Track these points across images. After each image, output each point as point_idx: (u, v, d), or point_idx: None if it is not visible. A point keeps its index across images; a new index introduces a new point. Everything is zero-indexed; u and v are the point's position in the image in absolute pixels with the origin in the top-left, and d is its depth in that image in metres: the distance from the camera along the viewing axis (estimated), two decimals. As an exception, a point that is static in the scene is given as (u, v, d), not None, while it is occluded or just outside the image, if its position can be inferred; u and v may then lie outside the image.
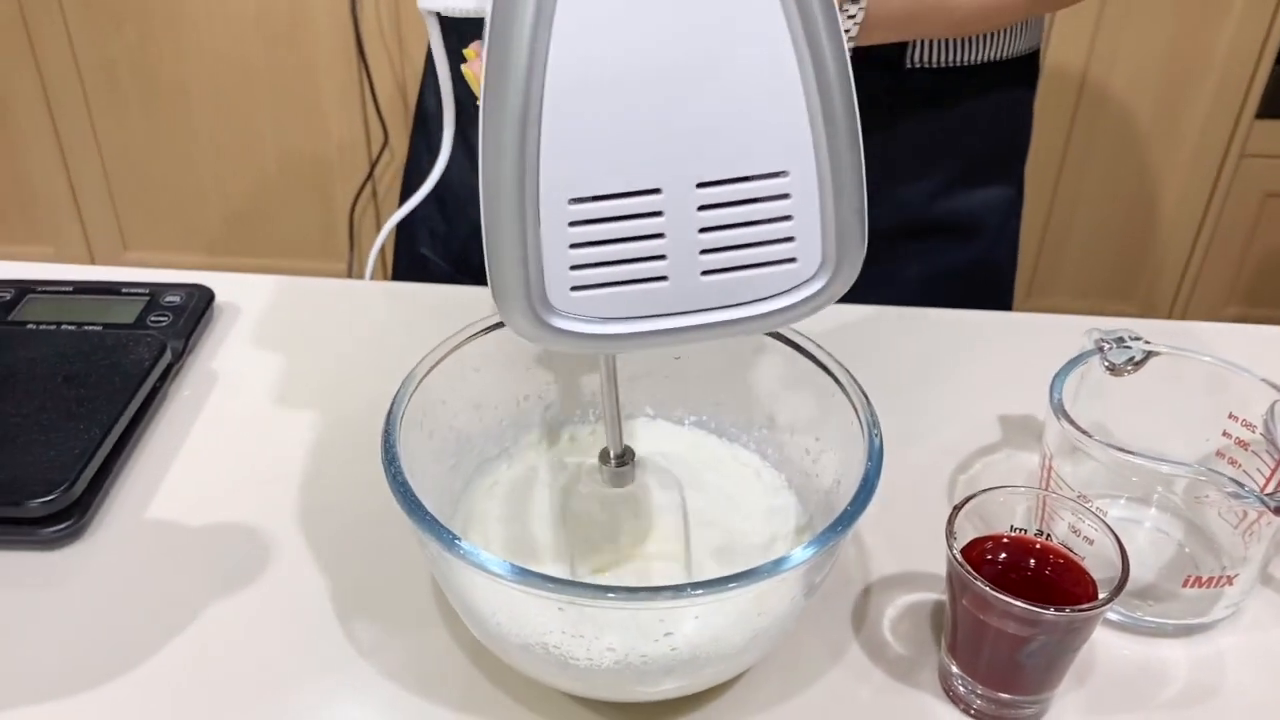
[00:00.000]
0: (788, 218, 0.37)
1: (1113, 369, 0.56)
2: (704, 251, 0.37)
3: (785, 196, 0.37)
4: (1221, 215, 1.91)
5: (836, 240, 0.38)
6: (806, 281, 0.39)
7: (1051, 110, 1.80)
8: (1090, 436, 0.51)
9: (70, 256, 2.09)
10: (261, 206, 2.02)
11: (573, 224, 0.37)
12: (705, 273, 0.38)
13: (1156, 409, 0.57)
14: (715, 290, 0.38)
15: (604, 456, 0.50)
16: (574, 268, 0.37)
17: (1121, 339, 0.57)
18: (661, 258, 0.37)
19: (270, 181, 1.99)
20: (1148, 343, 0.57)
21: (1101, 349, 0.57)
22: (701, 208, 0.37)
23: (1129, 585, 0.47)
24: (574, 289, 0.38)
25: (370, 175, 1.95)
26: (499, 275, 0.38)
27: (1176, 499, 0.56)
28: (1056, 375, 0.55)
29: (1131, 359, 0.56)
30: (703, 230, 0.37)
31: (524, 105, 0.35)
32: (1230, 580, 0.52)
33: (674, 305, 0.38)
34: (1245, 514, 0.51)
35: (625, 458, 0.49)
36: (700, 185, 0.36)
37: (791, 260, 0.38)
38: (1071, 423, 0.52)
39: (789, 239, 0.38)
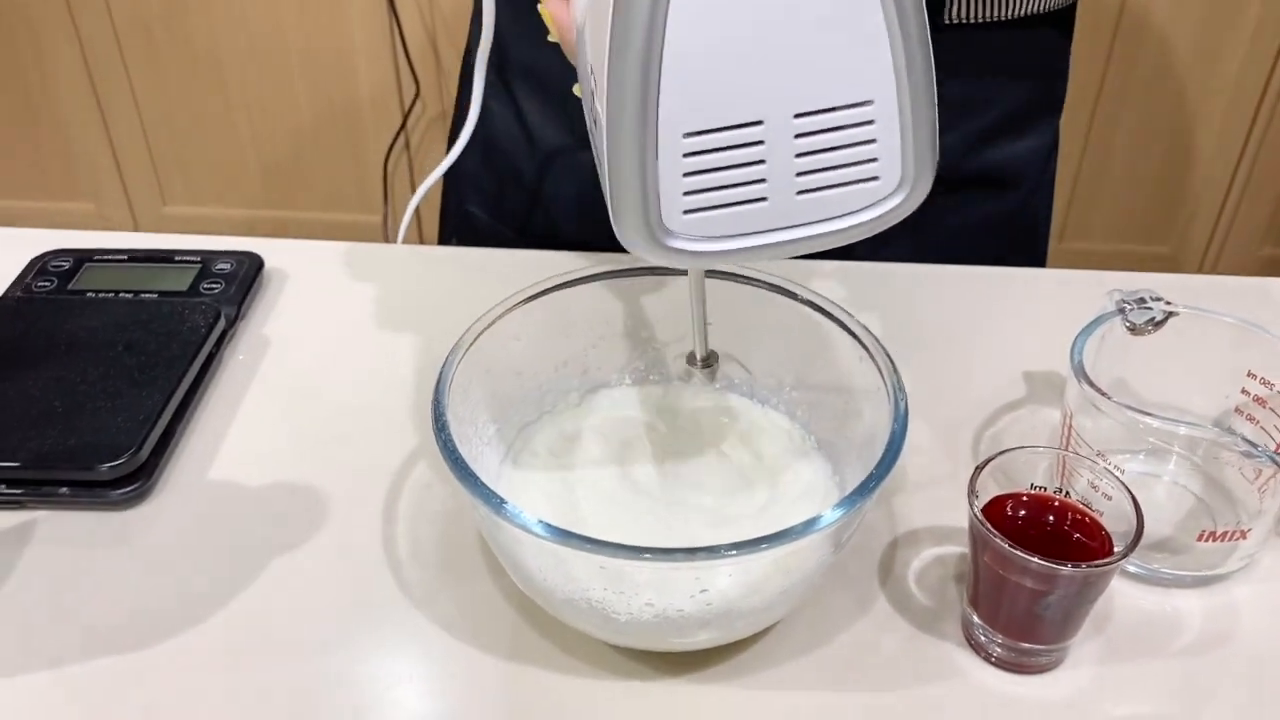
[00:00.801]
0: (872, 141, 0.42)
1: (1133, 329, 0.58)
2: (799, 174, 0.42)
3: (870, 123, 0.41)
4: (1259, 154, 1.89)
5: (914, 159, 0.42)
6: (887, 197, 0.43)
7: (1088, 46, 1.78)
8: (1109, 398, 0.53)
9: (111, 213, 2.13)
10: (297, 160, 2.04)
11: (687, 155, 0.41)
12: (800, 192, 0.42)
13: (1177, 367, 0.59)
14: (808, 207, 0.43)
15: (691, 359, 0.56)
16: (687, 194, 0.42)
17: (1143, 299, 0.58)
18: (762, 181, 0.42)
19: (304, 135, 2.01)
20: (1168, 303, 0.58)
21: (1122, 310, 0.58)
22: (798, 135, 0.41)
23: (1146, 538, 0.49)
24: (686, 212, 0.42)
25: (403, 126, 1.97)
26: (621, 206, 0.42)
27: (1194, 455, 0.58)
28: (1078, 336, 0.57)
29: (1152, 319, 0.58)
30: (799, 155, 0.41)
31: (646, 52, 0.39)
32: (1244, 534, 0.54)
33: (772, 223, 0.43)
34: (1261, 471, 0.53)
35: (710, 360, 0.56)
36: (797, 115, 0.41)
37: (875, 179, 0.43)
38: (1091, 384, 0.54)
39: (873, 160, 0.42)
